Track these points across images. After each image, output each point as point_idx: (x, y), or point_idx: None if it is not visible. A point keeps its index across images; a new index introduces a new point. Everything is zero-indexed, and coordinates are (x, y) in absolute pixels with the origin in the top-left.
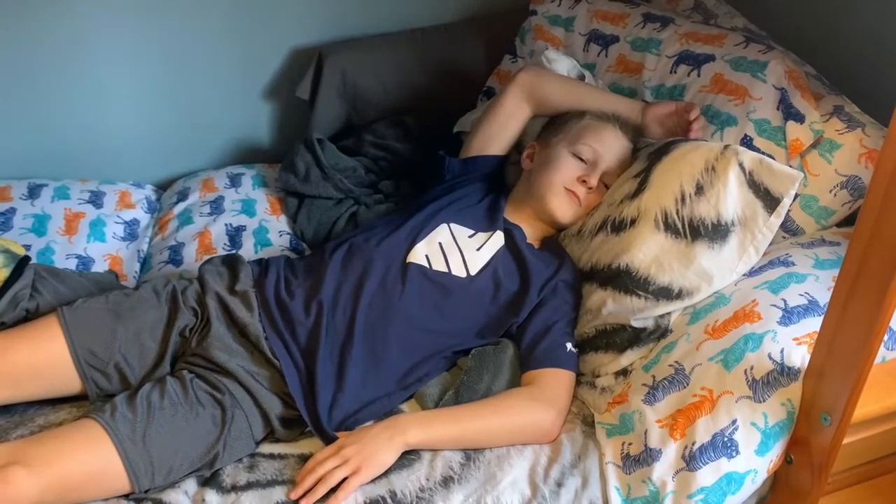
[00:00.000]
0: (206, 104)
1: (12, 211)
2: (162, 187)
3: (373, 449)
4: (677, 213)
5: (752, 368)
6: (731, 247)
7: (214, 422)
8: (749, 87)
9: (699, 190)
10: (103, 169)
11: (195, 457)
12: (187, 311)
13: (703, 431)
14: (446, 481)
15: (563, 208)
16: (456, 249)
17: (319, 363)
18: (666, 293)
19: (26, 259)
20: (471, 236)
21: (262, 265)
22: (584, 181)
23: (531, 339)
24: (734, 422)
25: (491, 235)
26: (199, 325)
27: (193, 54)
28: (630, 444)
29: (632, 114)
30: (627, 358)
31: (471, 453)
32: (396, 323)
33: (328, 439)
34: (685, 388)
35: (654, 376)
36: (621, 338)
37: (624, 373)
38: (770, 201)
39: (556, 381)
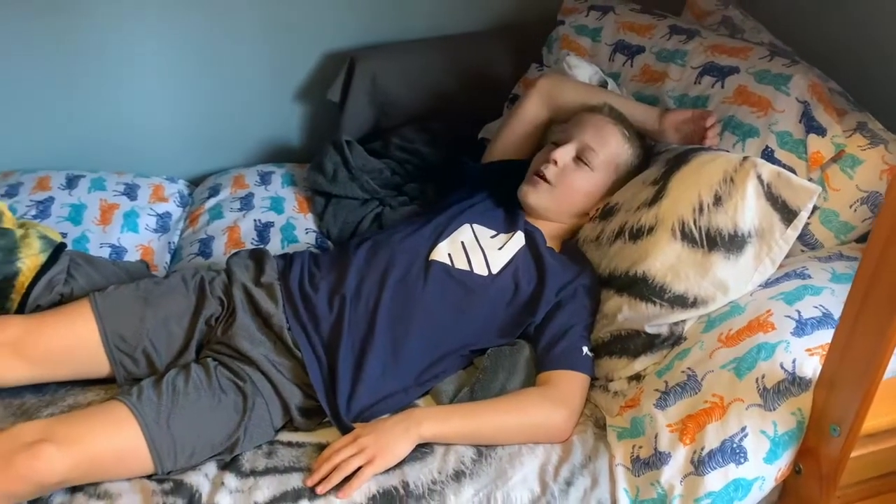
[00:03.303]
0: (240, 104)
1: (51, 200)
2: (194, 183)
3: (388, 440)
4: (695, 223)
5: (763, 377)
6: (747, 258)
7: (236, 408)
8: (772, 99)
9: (717, 200)
10: (139, 163)
11: (216, 441)
12: (214, 300)
13: (712, 437)
14: (458, 475)
15: (529, 193)
16: (478, 248)
17: (341, 355)
18: (681, 301)
19: (62, 246)
20: (493, 237)
21: (287, 259)
22: (552, 160)
23: (548, 341)
24: (744, 429)
25: (512, 236)
26: (224, 315)
27: (229, 56)
28: (640, 447)
29: (649, 119)
30: (641, 363)
31: (483, 449)
32: (417, 318)
33: (345, 429)
34: (697, 394)
35: (666, 382)
36: (635, 343)
37: (637, 378)
38: (787, 214)
39: (570, 383)
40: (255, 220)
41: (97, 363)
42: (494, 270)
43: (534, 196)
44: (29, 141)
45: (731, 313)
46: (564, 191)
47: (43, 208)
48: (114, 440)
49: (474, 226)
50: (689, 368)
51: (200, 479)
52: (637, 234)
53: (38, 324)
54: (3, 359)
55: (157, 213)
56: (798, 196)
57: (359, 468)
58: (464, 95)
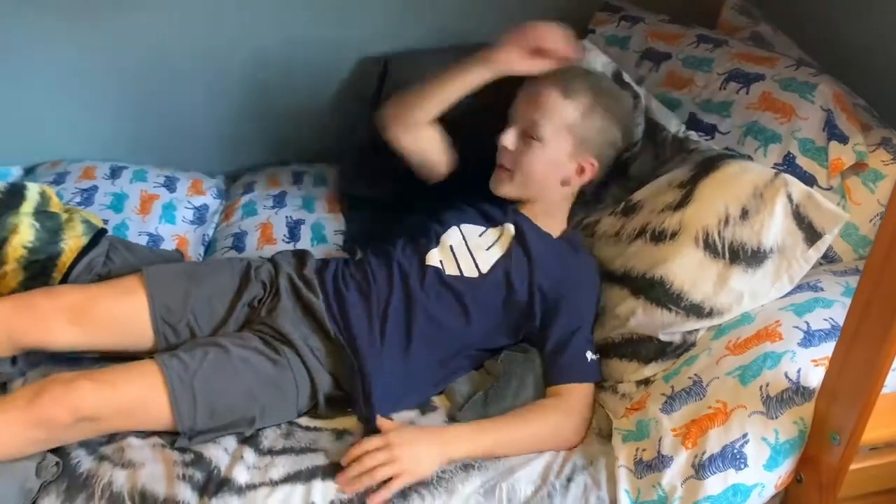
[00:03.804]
0: (277, 104)
1: (95, 188)
2: (231, 178)
3: (421, 458)
4: (718, 234)
5: (767, 385)
6: (766, 273)
7: (262, 379)
8: (796, 106)
9: (744, 214)
10: (179, 158)
11: (237, 406)
12: (257, 284)
13: (714, 442)
14: (466, 467)
15: (498, 185)
16: (466, 250)
17: (361, 353)
18: (697, 310)
19: (103, 231)
20: (481, 234)
21: (324, 261)
22: (502, 148)
23: (553, 348)
24: (745, 435)
25: (501, 230)
26: (267, 297)
27: (268, 57)
28: (644, 449)
29: (483, 68)
30: (651, 369)
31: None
32: (420, 323)
33: (370, 423)
34: (701, 399)
35: (672, 386)
36: (647, 349)
37: (645, 382)
38: (812, 235)
39: (579, 395)
40: (286, 217)
41: (142, 334)
42: (484, 270)
43: (502, 187)
44: (76, 133)
45: (741, 322)
46: (527, 172)
47: (87, 196)
48: (140, 388)
49: (462, 226)
50: (695, 374)
51: (220, 453)
52: (659, 237)
53: (92, 293)
54: (59, 322)
55: (194, 206)
56: (825, 219)
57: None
58: (494, 100)
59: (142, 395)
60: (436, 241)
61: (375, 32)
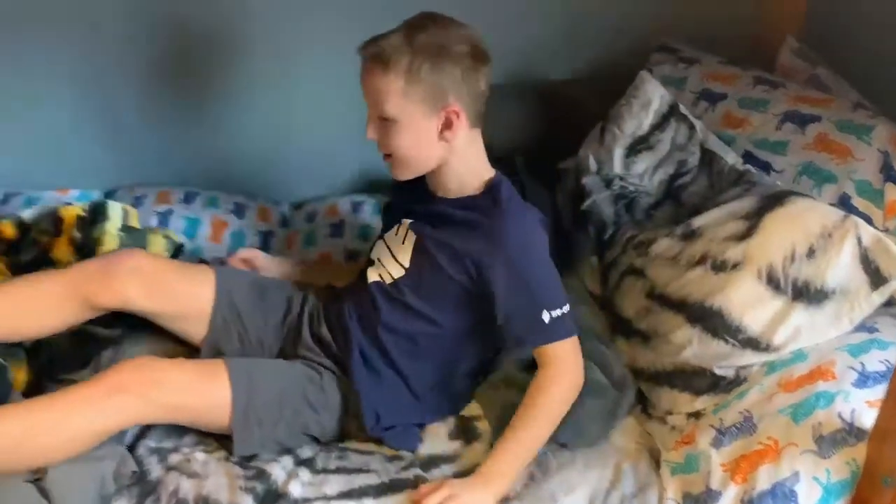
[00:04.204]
0: (339, 137)
1: (170, 212)
2: (295, 207)
3: (477, 500)
4: (783, 270)
5: (820, 424)
6: (827, 313)
7: (308, 377)
8: (853, 148)
9: (811, 253)
10: (249, 185)
11: (288, 396)
12: (298, 308)
13: (764, 479)
14: (506, 499)
15: (393, 174)
16: (389, 255)
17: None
18: (754, 344)
19: (181, 246)
20: (395, 234)
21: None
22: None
23: (503, 321)
24: (796, 473)
25: (407, 222)
26: (301, 324)
27: (331, 91)
28: (693, 483)
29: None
30: (702, 402)
31: (535, 474)
32: (389, 342)
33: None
34: (752, 435)
35: (721, 419)
36: (700, 382)
37: (696, 414)
38: (877, 279)
39: (557, 355)
40: (344, 248)
41: (197, 324)
42: (406, 263)
43: (396, 173)
44: (153, 160)
45: (795, 360)
46: (400, 152)
47: (163, 218)
48: (205, 371)
49: (385, 236)
50: (746, 410)
51: (278, 470)
52: (720, 267)
53: (164, 265)
54: (131, 281)
55: (260, 232)
56: (893, 265)
57: None
58: (549, 134)
59: (208, 383)
60: (370, 262)
61: None
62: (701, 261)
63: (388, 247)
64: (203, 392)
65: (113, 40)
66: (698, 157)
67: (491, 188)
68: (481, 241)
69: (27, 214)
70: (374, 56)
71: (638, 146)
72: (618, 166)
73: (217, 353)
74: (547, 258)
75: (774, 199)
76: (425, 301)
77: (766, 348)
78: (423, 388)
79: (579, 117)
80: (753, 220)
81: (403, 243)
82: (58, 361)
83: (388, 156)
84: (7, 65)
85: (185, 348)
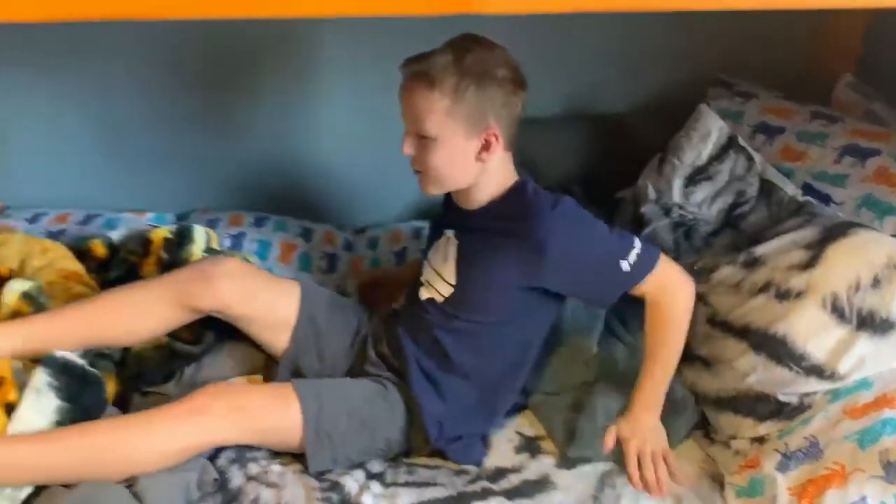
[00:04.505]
0: (401, 166)
1: (243, 235)
2: (357, 232)
3: (652, 432)
4: (847, 300)
5: (887, 451)
6: (892, 342)
7: (374, 392)
8: None
9: (875, 283)
10: (315, 210)
11: (355, 406)
12: (365, 328)
13: (831, 503)
14: None
15: (424, 189)
16: (435, 275)
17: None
18: (818, 372)
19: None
20: (435, 253)
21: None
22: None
23: (589, 298)
24: (864, 498)
25: (444, 237)
26: (366, 342)
27: (394, 119)
28: None
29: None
30: (766, 427)
31: (604, 492)
32: (443, 337)
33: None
34: (818, 460)
35: (786, 444)
36: (763, 408)
37: (759, 439)
38: None
39: (656, 284)
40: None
41: (281, 334)
42: (452, 280)
43: (427, 189)
44: (224, 184)
45: (859, 388)
46: (434, 169)
47: (236, 241)
48: (268, 390)
49: (428, 256)
50: (811, 435)
51: (351, 483)
52: (784, 295)
53: (254, 272)
54: (224, 285)
55: (326, 255)
56: None
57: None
58: (604, 165)
59: (282, 407)
60: (421, 284)
61: None
62: (764, 289)
63: (432, 268)
64: (277, 415)
65: (182, 70)
66: (757, 187)
67: (514, 190)
68: (526, 244)
69: (116, 235)
70: (420, 74)
71: (697, 176)
72: (677, 195)
73: (295, 368)
74: (591, 224)
75: (837, 230)
76: (478, 312)
77: (831, 376)
78: (486, 385)
79: (635, 149)
80: (816, 250)
81: (446, 261)
82: (144, 374)
83: (419, 171)
84: (91, 94)
85: (261, 356)
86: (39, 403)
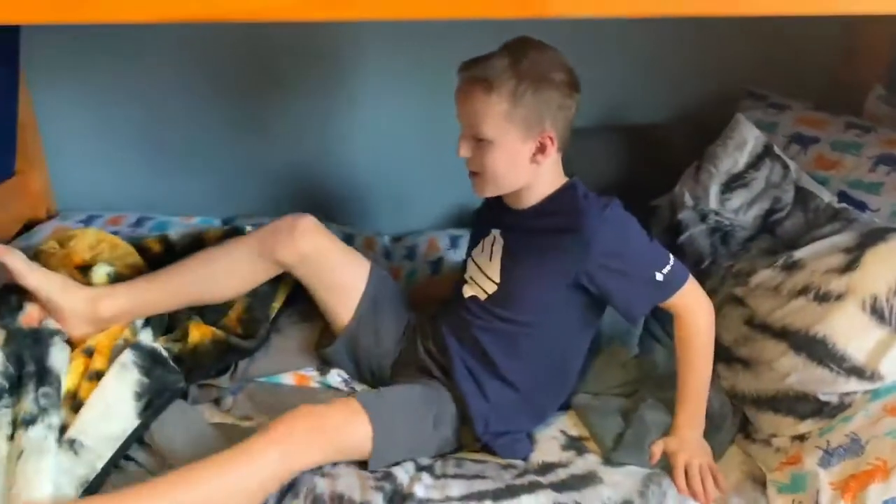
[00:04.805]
0: (441, 172)
1: None
2: (394, 239)
3: (699, 445)
4: (887, 301)
5: None
6: None
7: (429, 398)
8: None
9: None
10: (353, 216)
11: (416, 406)
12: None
13: (874, 497)
14: (626, 502)
15: (478, 191)
16: (479, 273)
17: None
18: (858, 373)
19: None
20: (482, 251)
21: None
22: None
23: (624, 307)
24: None
25: (490, 236)
26: (415, 337)
27: (434, 126)
28: (801, 501)
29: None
30: (807, 426)
31: (650, 486)
32: (483, 337)
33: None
34: (859, 456)
35: (828, 441)
36: (804, 407)
37: (800, 437)
38: None
39: (682, 303)
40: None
41: (345, 299)
42: (497, 278)
43: (482, 190)
44: (266, 190)
45: None
46: (491, 171)
47: None
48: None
49: (472, 254)
50: (852, 432)
51: (402, 474)
52: (824, 298)
53: (332, 235)
54: (305, 236)
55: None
56: None
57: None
58: (639, 175)
59: (353, 423)
60: (465, 281)
61: None
62: (803, 291)
63: (477, 265)
64: (351, 430)
65: (224, 80)
66: (792, 194)
67: (565, 190)
68: (575, 244)
69: (172, 234)
70: (479, 78)
71: (733, 183)
72: (713, 202)
73: (351, 348)
74: (637, 231)
75: (876, 235)
76: (520, 310)
77: (871, 377)
78: (527, 386)
79: (670, 159)
80: (855, 254)
81: (491, 259)
82: (201, 367)
83: (475, 173)
84: (138, 106)
85: (310, 353)
86: (123, 375)
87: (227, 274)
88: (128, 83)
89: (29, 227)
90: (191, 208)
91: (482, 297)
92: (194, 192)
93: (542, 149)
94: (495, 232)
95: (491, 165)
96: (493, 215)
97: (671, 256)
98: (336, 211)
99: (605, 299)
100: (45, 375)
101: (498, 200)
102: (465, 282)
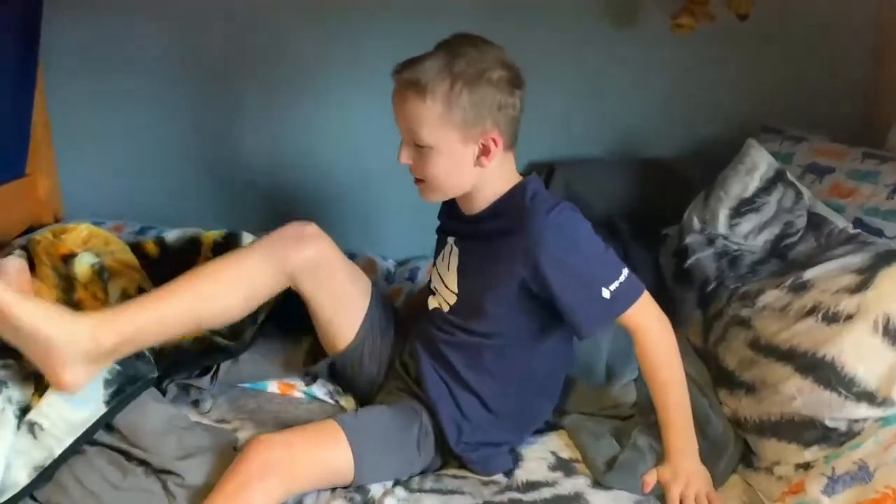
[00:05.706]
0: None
1: None
2: (399, 263)
3: (698, 471)
4: None
5: None
6: None
7: (410, 419)
8: None
9: None
10: (358, 238)
11: (396, 427)
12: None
13: None
14: None
15: (424, 197)
16: (442, 284)
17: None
18: (869, 398)
19: None
20: (443, 260)
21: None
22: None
23: (569, 311)
24: None
25: (447, 246)
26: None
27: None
28: None
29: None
30: (812, 453)
31: None
32: (448, 352)
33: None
34: (867, 483)
35: (833, 468)
36: (810, 434)
37: (805, 466)
38: None
39: (634, 321)
40: None
41: (348, 317)
42: (455, 289)
43: (427, 197)
44: (268, 208)
45: None
46: (433, 177)
47: None
48: (317, 428)
49: (436, 265)
50: (860, 459)
51: (376, 486)
52: (833, 318)
53: (336, 246)
54: (311, 242)
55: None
56: None
57: None
58: (651, 207)
59: (320, 434)
60: (431, 292)
61: (543, 142)
62: (811, 312)
63: (440, 276)
64: (330, 460)
65: (226, 97)
66: (805, 220)
67: (515, 191)
68: (519, 247)
69: (169, 236)
70: (412, 81)
71: (743, 208)
72: (722, 227)
73: (345, 363)
74: (589, 237)
75: (891, 256)
76: (479, 322)
77: (882, 403)
78: (497, 403)
79: (683, 192)
80: (868, 274)
81: (449, 269)
82: (181, 365)
83: (419, 180)
84: (142, 122)
85: (298, 358)
86: None
87: (232, 287)
88: (129, 106)
89: (33, 229)
90: (199, 221)
91: (445, 308)
92: (196, 210)
93: (485, 151)
94: (451, 240)
95: (433, 171)
96: (449, 223)
97: (625, 270)
98: (339, 233)
99: (547, 301)
100: (8, 348)
101: (452, 207)
102: (431, 293)
